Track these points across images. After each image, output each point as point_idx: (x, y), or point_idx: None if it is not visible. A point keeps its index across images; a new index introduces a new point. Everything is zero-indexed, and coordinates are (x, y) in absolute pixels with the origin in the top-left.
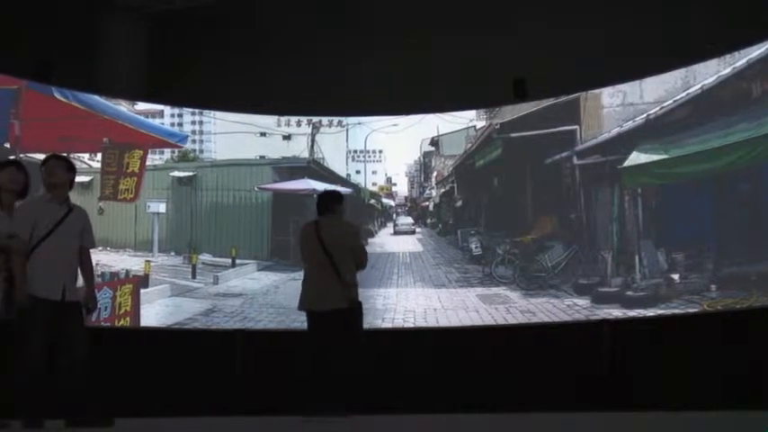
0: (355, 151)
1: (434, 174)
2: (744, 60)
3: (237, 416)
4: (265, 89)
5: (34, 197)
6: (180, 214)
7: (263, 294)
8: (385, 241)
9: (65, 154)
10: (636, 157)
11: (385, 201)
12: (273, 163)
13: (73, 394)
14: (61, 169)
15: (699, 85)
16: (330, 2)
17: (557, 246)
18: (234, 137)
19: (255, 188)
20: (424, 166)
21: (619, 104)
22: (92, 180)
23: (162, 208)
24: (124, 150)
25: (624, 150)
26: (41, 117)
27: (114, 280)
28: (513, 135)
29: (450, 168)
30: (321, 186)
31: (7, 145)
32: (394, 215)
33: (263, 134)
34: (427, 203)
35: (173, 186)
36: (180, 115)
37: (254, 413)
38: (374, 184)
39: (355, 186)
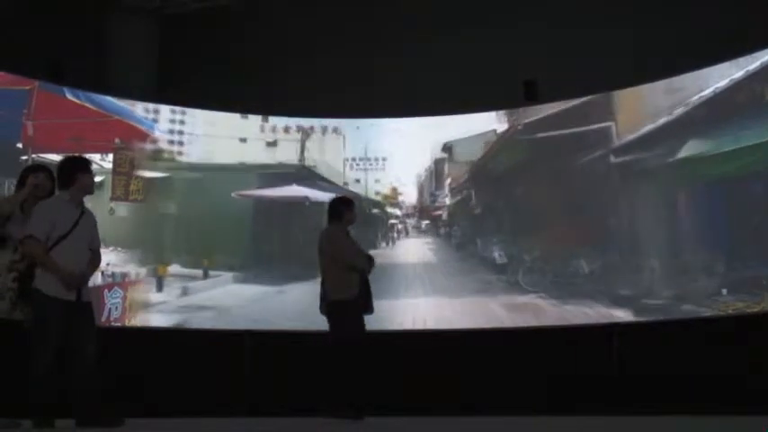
0: (354, 159)
1: (448, 180)
2: (757, 63)
3: (245, 416)
4: (276, 90)
5: (52, 197)
6: (149, 219)
7: (240, 308)
8: (390, 253)
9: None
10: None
11: (390, 210)
12: (257, 168)
13: (86, 394)
14: (89, 171)
15: (711, 89)
16: (339, 3)
17: (592, 252)
18: (214, 140)
19: (233, 194)
20: (436, 172)
21: (662, 92)
22: (103, 180)
23: (125, 211)
24: (135, 151)
25: (673, 143)
26: (53, 117)
27: (125, 281)
28: (540, 136)
29: (467, 174)
30: (314, 194)
31: (20, 145)
32: (399, 225)
33: (243, 140)
34: (440, 212)
35: (143, 188)
36: (156, 111)
37: (262, 414)
38: (377, 193)
39: (355, 195)
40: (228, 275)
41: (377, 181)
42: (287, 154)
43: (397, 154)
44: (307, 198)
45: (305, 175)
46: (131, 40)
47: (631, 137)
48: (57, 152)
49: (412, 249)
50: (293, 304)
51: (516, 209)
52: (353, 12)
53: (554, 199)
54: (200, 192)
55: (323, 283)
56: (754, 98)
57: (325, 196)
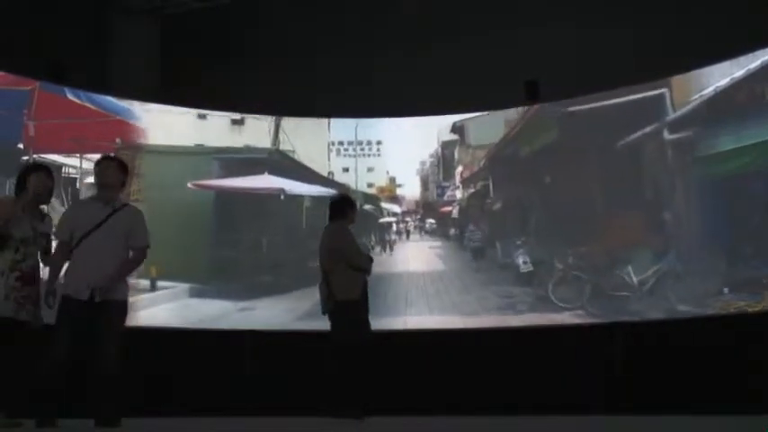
0: (341, 143)
1: (459, 169)
2: (758, 62)
3: (246, 416)
4: (276, 90)
5: (83, 197)
6: None
7: (201, 325)
8: (387, 260)
9: (77, 154)
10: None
11: (387, 206)
12: (219, 152)
13: (99, 394)
14: (113, 170)
15: (712, 87)
16: (339, 3)
17: (643, 255)
18: (165, 116)
19: (189, 184)
20: (444, 159)
21: None
22: None
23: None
24: (136, 151)
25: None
26: (54, 118)
27: None
28: (573, 109)
29: (483, 161)
30: (290, 185)
31: (21, 145)
32: (398, 225)
33: (201, 116)
34: (450, 208)
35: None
36: None
37: (263, 413)
38: (371, 185)
39: (342, 187)
40: (182, 288)
41: (370, 170)
42: (257, 135)
43: (396, 137)
44: (281, 191)
45: (279, 162)
46: (132, 40)
47: (689, 107)
48: (58, 152)
49: (414, 255)
50: (263, 324)
51: (545, 203)
52: (353, 12)
53: (592, 190)
54: (146, 181)
55: (325, 283)
56: (754, 97)
57: (304, 188)
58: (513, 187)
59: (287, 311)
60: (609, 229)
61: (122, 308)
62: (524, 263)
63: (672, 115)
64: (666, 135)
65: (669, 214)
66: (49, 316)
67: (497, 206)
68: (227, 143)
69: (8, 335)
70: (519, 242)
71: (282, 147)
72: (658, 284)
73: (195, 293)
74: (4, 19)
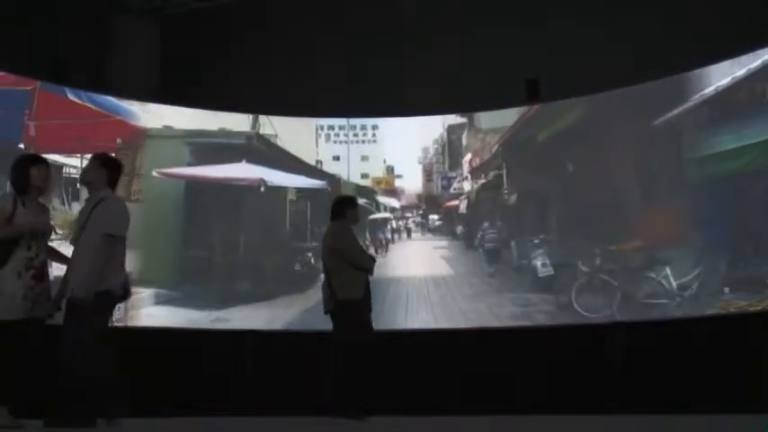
0: (331, 127)
1: (467, 157)
2: (759, 62)
3: (246, 416)
4: (276, 91)
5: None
6: None
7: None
8: (384, 262)
9: (78, 154)
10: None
11: (384, 200)
12: (191, 136)
13: (57, 393)
14: (94, 168)
15: (713, 87)
16: (339, 3)
17: (684, 256)
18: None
19: (154, 173)
20: (450, 146)
21: None
22: None
23: None
24: (137, 151)
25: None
26: (55, 118)
27: None
28: None
29: (495, 148)
30: (271, 175)
31: (21, 145)
32: (396, 222)
33: None
34: (456, 203)
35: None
36: None
37: (263, 413)
38: (365, 175)
39: (332, 178)
40: (147, 294)
41: (364, 158)
42: (235, 118)
43: (394, 120)
44: (262, 181)
45: (260, 148)
46: (132, 41)
47: (728, 79)
48: (59, 152)
49: (415, 257)
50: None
51: (567, 196)
52: (353, 11)
53: (621, 179)
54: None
55: (327, 283)
56: (755, 96)
57: (287, 179)
58: (529, 177)
59: (268, 322)
60: (642, 226)
61: (75, 305)
62: (543, 265)
63: (709, 91)
64: (703, 112)
65: (711, 204)
66: (57, 316)
67: (512, 200)
68: (200, 126)
69: (23, 334)
70: (537, 241)
71: (263, 131)
72: (702, 290)
73: (161, 300)
74: (4, 19)
